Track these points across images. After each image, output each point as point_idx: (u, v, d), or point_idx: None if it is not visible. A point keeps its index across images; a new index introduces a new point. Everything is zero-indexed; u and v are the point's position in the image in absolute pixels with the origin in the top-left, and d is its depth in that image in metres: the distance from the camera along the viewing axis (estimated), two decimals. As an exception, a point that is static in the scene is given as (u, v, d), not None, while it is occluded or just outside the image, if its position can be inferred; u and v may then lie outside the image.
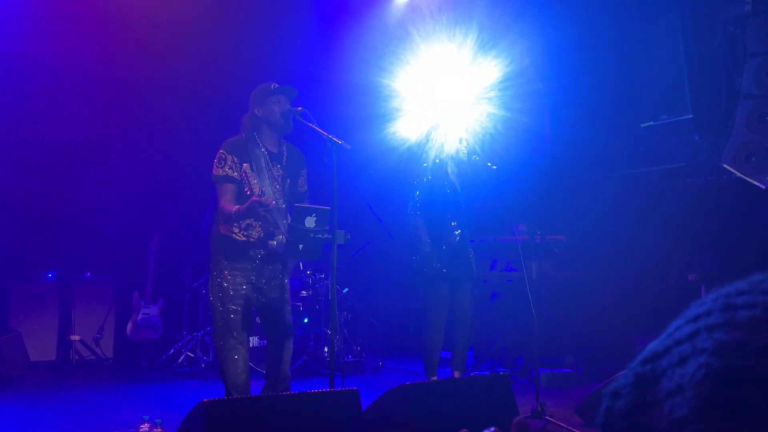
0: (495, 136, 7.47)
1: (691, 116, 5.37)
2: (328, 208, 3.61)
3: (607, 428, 0.49)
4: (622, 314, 5.90)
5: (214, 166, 3.74)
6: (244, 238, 3.67)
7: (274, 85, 3.81)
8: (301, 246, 3.57)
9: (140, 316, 6.36)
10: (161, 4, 6.10)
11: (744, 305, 0.45)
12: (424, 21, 7.43)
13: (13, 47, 6.07)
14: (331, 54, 7.29)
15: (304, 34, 7.17)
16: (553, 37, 6.98)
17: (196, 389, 5.34)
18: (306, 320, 6.13)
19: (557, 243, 4.51)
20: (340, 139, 3.60)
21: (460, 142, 4.52)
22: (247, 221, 3.66)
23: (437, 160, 4.61)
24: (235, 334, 3.63)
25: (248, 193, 3.51)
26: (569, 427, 3.77)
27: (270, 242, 3.63)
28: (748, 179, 4.94)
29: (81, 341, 6.33)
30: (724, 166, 5.08)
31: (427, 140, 4.73)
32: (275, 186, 3.77)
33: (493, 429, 0.70)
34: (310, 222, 3.54)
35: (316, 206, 3.73)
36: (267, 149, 3.79)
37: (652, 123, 5.66)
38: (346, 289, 6.47)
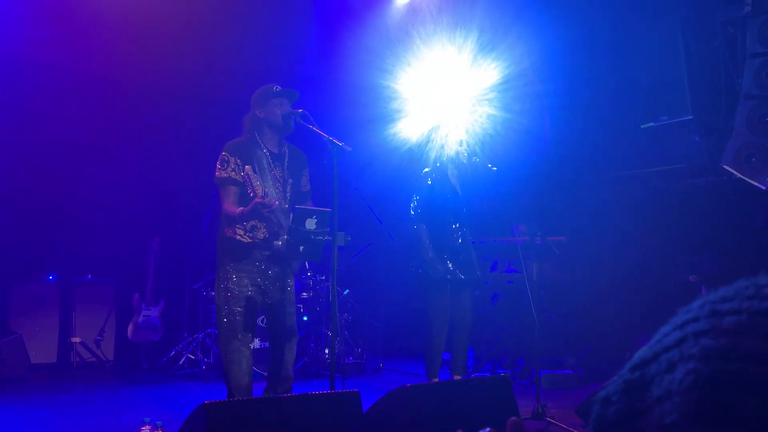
0: (495, 138, 7.47)
1: (691, 117, 5.37)
2: (329, 209, 3.61)
3: None
4: (623, 315, 5.90)
5: (217, 169, 3.74)
6: (249, 240, 3.67)
7: (276, 87, 3.81)
8: (301, 248, 3.58)
9: (141, 318, 6.36)
10: (162, 6, 6.10)
11: (730, 311, 0.46)
12: (424, 23, 7.44)
13: (14, 48, 6.08)
14: (331, 55, 7.30)
15: (304, 35, 7.17)
16: (552, 39, 6.99)
17: (197, 391, 5.34)
18: (305, 318, 6.13)
19: (558, 244, 4.51)
20: (341, 141, 3.60)
21: (460, 145, 4.52)
22: (252, 223, 3.67)
23: (437, 164, 4.61)
24: (239, 336, 3.63)
25: (251, 194, 3.51)
26: (570, 429, 3.77)
27: (275, 242, 3.64)
28: (748, 180, 4.94)
29: (82, 343, 6.33)
30: (724, 167, 5.08)
31: (428, 142, 4.72)
32: (278, 187, 3.78)
33: (488, 429, 0.70)
34: (310, 224, 3.54)
35: (317, 208, 3.74)
36: (269, 150, 3.80)
37: (652, 124, 5.67)
38: (347, 291, 6.47)
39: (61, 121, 6.49)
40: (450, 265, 4.40)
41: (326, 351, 5.99)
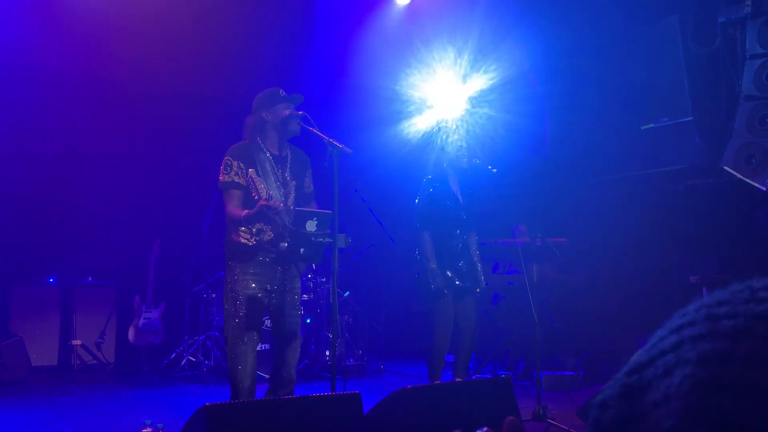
0: (495, 139, 7.48)
1: (691, 118, 5.37)
2: (329, 211, 3.62)
3: None
4: (624, 316, 5.90)
5: (221, 173, 3.76)
6: (255, 243, 3.69)
7: (282, 91, 3.84)
8: (302, 250, 3.58)
9: (141, 321, 6.36)
10: (163, 8, 6.11)
11: (726, 315, 0.46)
12: (424, 25, 7.45)
13: (14, 51, 6.09)
14: (332, 57, 7.30)
15: (305, 36, 7.18)
16: (552, 41, 6.99)
17: (197, 393, 5.34)
18: (309, 320, 6.14)
19: (558, 246, 4.51)
20: (341, 143, 3.61)
21: (460, 150, 4.51)
22: (258, 226, 3.69)
23: (438, 170, 4.60)
24: (245, 338, 3.65)
25: (256, 197, 3.54)
26: (571, 430, 3.77)
27: (281, 244, 3.65)
28: (748, 181, 4.94)
29: (82, 346, 6.33)
30: (725, 168, 5.08)
31: (428, 145, 4.73)
32: (282, 189, 3.80)
33: (485, 429, 0.70)
34: (311, 226, 3.55)
35: (317, 210, 3.76)
36: (271, 153, 3.82)
37: (652, 125, 5.67)
38: (348, 293, 6.47)
39: (61, 124, 6.50)
40: (449, 273, 4.40)
41: (327, 353, 5.99)
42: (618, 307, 6.05)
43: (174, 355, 6.12)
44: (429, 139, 4.75)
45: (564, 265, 6.00)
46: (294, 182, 3.88)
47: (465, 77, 7.84)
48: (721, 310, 0.47)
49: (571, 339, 6.03)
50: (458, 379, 4.49)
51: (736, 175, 5.03)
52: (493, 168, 4.46)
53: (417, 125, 7.61)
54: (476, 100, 7.76)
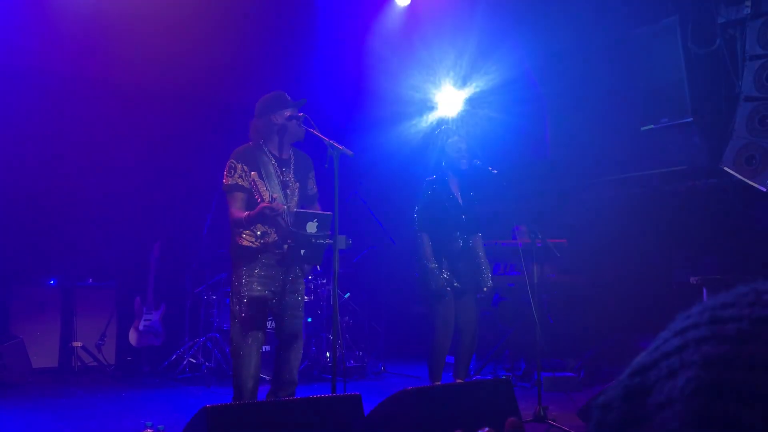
0: (495, 141, 7.48)
1: (691, 119, 5.37)
2: (330, 213, 3.62)
3: None
4: (624, 317, 5.90)
5: (224, 176, 3.79)
6: (260, 245, 3.71)
7: (286, 95, 3.86)
8: (302, 251, 3.59)
9: (142, 323, 6.37)
10: (165, 10, 6.12)
11: (730, 318, 0.46)
12: (425, 26, 7.45)
13: (14, 52, 6.09)
14: (333, 58, 7.30)
15: (306, 38, 7.18)
16: (552, 41, 6.99)
17: (198, 395, 5.34)
18: (309, 320, 6.14)
19: (559, 247, 4.50)
20: (341, 145, 3.62)
21: (460, 151, 4.51)
22: (263, 229, 3.71)
23: (438, 172, 4.61)
24: (250, 340, 3.69)
25: (258, 200, 3.57)
26: (571, 431, 3.77)
27: (285, 246, 3.66)
28: (748, 182, 4.94)
29: (83, 347, 6.33)
30: (725, 168, 5.08)
31: (428, 146, 4.73)
32: (286, 191, 3.81)
33: (486, 430, 0.70)
34: (311, 227, 3.56)
35: (318, 211, 3.77)
36: (274, 156, 3.84)
37: (652, 126, 5.67)
38: (348, 294, 6.47)
39: (62, 126, 6.51)
40: (446, 275, 4.40)
41: (327, 354, 5.99)
42: (618, 308, 6.05)
43: (174, 356, 6.12)
44: (429, 140, 4.75)
45: (564, 266, 6.00)
46: (297, 184, 3.89)
47: (465, 78, 7.84)
48: (725, 313, 0.47)
49: (571, 340, 6.03)
50: (459, 381, 4.49)
51: (736, 176, 5.03)
52: (493, 169, 4.46)
53: (417, 126, 7.62)
54: (476, 102, 7.76)
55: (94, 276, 6.77)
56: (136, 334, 6.34)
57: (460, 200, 4.56)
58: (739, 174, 4.99)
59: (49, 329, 6.36)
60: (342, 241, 3.57)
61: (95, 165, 6.71)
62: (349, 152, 3.59)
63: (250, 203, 3.69)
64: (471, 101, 7.79)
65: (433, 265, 4.37)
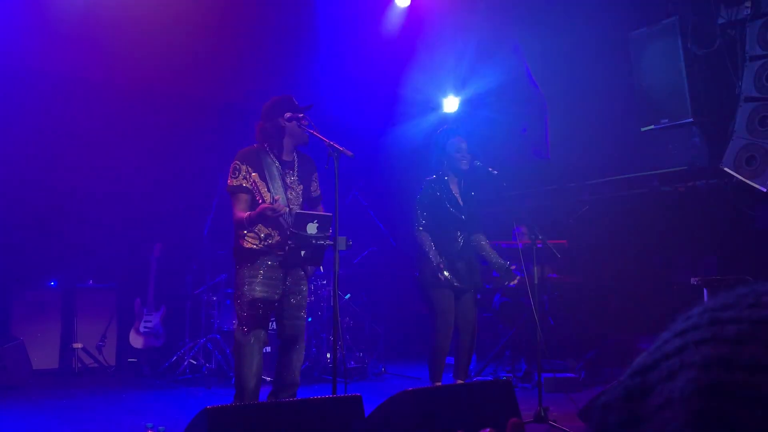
0: (496, 141, 7.47)
1: (691, 120, 5.37)
2: (330, 214, 3.63)
3: None
4: (625, 318, 5.90)
5: (229, 177, 3.82)
6: (263, 247, 3.73)
7: (292, 99, 3.88)
8: (303, 252, 3.59)
9: (142, 324, 6.37)
10: (167, 12, 6.12)
11: (730, 320, 0.46)
12: (425, 27, 7.45)
13: (15, 53, 6.10)
14: (334, 59, 7.31)
15: (307, 39, 7.18)
16: (552, 42, 6.99)
17: (198, 396, 5.34)
18: (309, 319, 6.14)
19: (559, 248, 4.50)
20: (342, 146, 3.62)
21: (460, 151, 4.51)
22: (266, 231, 3.72)
23: (439, 172, 4.61)
24: (252, 340, 3.71)
25: (260, 201, 3.60)
26: (572, 432, 3.77)
27: (286, 248, 3.67)
28: (748, 182, 4.94)
29: (83, 349, 6.34)
30: (725, 169, 5.08)
31: (428, 147, 4.73)
32: (290, 193, 3.83)
33: (488, 430, 0.70)
34: (311, 228, 3.56)
35: (318, 212, 3.79)
36: (278, 158, 3.86)
37: (652, 127, 5.67)
38: (348, 295, 6.47)
39: (62, 128, 6.51)
40: (447, 275, 4.40)
41: (328, 355, 5.99)
42: (619, 309, 6.05)
43: (175, 358, 6.12)
44: (430, 140, 4.75)
45: (565, 267, 6.00)
46: (301, 186, 3.91)
47: (465, 79, 7.84)
48: (725, 315, 0.47)
49: (572, 341, 6.02)
50: (459, 381, 4.49)
51: (736, 177, 5.03)
52: (493, 170, 4.46)
53: (418, 127, 7.62)
54: (476, 102, 7.77)
55: (94, 277, 6.77)
56: (137, 335, 6.34)
57: (460, 200, 4.56)
58: (739, 174, 4.99)
59: (49, 331, 6.37)
60: (342, 242, 3.57)
61: (96, 167, 6.72)
62: (349, 153, 3.60)
63: (254, 205, 3.72)
64: (471, 102, 7.79)
65: (435, 263, 4.37)
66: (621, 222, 6.28)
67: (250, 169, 3.73)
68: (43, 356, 6.24)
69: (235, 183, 3.77)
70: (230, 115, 7.04)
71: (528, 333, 5.69)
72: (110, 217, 6.75)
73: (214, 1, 6.40)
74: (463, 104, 7.90)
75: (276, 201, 3.60)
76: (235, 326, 3.86)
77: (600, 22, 6.38)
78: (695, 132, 5.71)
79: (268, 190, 3.70)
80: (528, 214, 4.86)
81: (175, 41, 6.27)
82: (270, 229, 3.73)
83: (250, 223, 3.67)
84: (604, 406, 0.50)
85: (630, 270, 6.19)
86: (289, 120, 3.80)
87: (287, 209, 3.66)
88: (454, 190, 4.57)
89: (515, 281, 4.48)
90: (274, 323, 3.99)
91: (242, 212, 3.70)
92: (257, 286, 3.71)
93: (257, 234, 3.73)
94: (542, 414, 3.99)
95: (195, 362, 6.05)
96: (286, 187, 3.83)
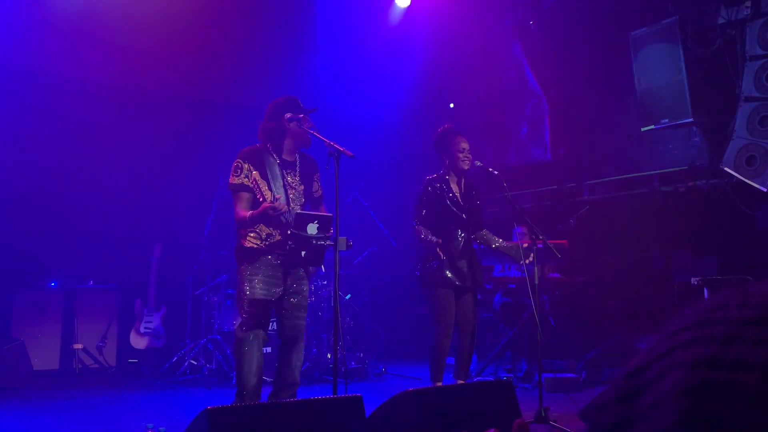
0: (496, 141, 7.47)
1: (691, 120, 5.38)
2: (330, 215, 3.64)
3: None
4: (625, 318, 5.90)
5: (231, 175, 3.84)
6: (265, 246, 3.73)
7: (296, 100, 3.89)
8: (303, 253, 3.60)
9: (143, 325, 6.37)
10: (168, 15, 6.12)
11: (718, 320, 0.47)
12: (425, 27, 7.46)
13: (17, 53, 6.10)
14: (335, 59, 7.31)
15: (308, 40, 7.19)
16: (552, 42, 7.00)
17: (199, 397, 5.34)
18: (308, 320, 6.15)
19: (559, 247, 4.50)
20: (342, 146, 3.62)
21: (462, 151, 4.52)
22: (268, 230, 3.72)
23: (440, 171, 4.61)
24: (251, 338, 3.73)
25: (261, 200, 3.60)
26: (573, 432, 3.77)
27: (287, 248, 3.68)
28: (748, 182, 4.95)
29: (84, 350, 6.33)
30: (725, 169, 5.08)
31: (432, 146, 4.73)
32: (292, 192, 3.84)
33: (492, 431, 0.71)
34: (312, 229, 3.57)
35: (318, 213, 3.79)
36: (280, 158, 3.86)
37: (653, 127, 5.67)
38: (349, 296, 6.47)
39: (62, 128, 6.51)
40: (449, 274, 4.40)
41: (328, 356, 5.99)
42: (619, 309, 6.05)
43: (175, 358, 6.12)
44: (432, 139, 4.75)
45: (565, 267, 6.01)
46: (302, 186, 3.92)
47: (465, 80, 7.84)
48: (714, 316, 0.48)
49: (572, 341, 6.03)
50: (460, 382, 4.49)
51: (736, 176, 5.03)
52: (494, 170, 4.46)
53: (418, 128, 7.62)
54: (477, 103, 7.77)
55: (95, 278, 6.77)
56: (137, 336, 6.35)
57: (461, 199, 4.56)
58: (739, 174, 4.99)
59: (50, 331, 6.37)
60: (343, 243, 3.58)
61: (96, 167, 6.72)
62: (349, 153, 3.60)
63: (255, 204, 3.72)
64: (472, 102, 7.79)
65: (437, 240, 4.33)
66: (621, 222, 6.28)
67: (251, 167, 3.74)
68: (44, 357, 6.24)
69: (236, 181, 3.78)
70: (231, 115, 7.04)
71: (528, 333, 5.69)
72: (111, 218, 6.75)
73: (216, 1, 6.41)
74: (464, 105, 7.90)
75: (277, 200, 3.61)
76: (236, 325, 3.88)
77: (600, 21, 6.38)
78: (695, 132, 5.72)
79: (269, 189, 3.72)
80: (528, 214, 4.86)
81: (174, 41, 6.28)
82: (271, 228, 3.74)
83: (252, 222, 3.68)
84: (599, 407, 0.51)
85: (630, 270, 6.20)
86: (290, 120, 3.81)
87: (287, 208, 3.66)
88: (455, 189, 4.58)
89: (531, 258, 4.39)
90: (275, 323, 4.00)
91: (244, 211, 3.72)
92: (258, 285, 3.72)
93: (259, 234, 3.74)
94: (543, 414, 3.99)
95: (195, 363, 6.05)
96: (287, 186, 3.84)
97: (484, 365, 6.07)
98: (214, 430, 2.55)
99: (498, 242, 4.62)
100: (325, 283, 6.23)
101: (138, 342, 6.33)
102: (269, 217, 3.58)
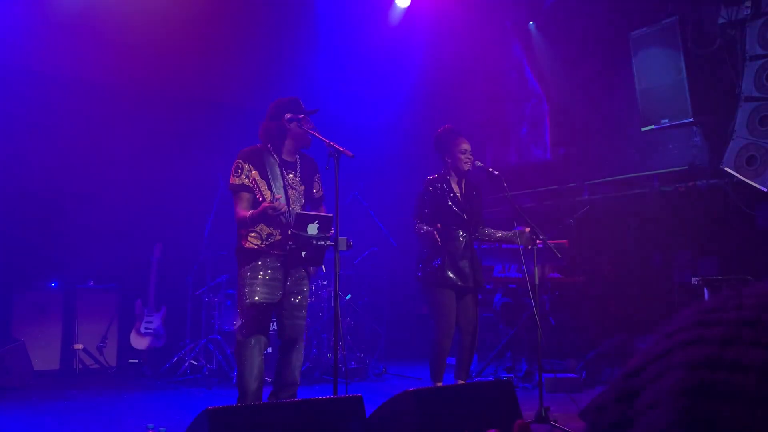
0: (496, 141, 7.47)
1: (691, 120, 5.38)
2: (330, 215, 3.64)
3: None
4: (625, 318, 5.90)
5: (231, 176, 3.84)
6: (265, 247, 3.74)
7: (298, 101, 3.89)
8: (303, 253, 3.60)
9: (143, 325, 6.38)
10: (168, 16, 6.12)
11: (716, 321, 0.47)
12: (424, 27, 7.46)
13: (17, 54, 6.10)
14: (335, 59, 7.31)
15: (308, 40, 7.19)
16: (552, 42, 7.00)
17: (199, 397, 5.34)
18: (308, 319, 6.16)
19: (560, 248, 4.51)
20: (342, 146, 3.63)
21: (462, 152, 4.52)
22: (268, 231, 3.72)
23: (441, 172, 4.62)
24: (253, 342, 3.72)
25: (260, 200, 3.60)
26: (573, 432, 3.77)
27: (287, 248, 3.68)
28: (749, 182, 4.95)
29: (84, 350, 6.33)
30: (725, 169, 5.09)
31: (433, 146, 4.73)
32: (292, 193, 3.84)
33: (494, 431, 0.71)
34: (312, 229, 3.57)
35: (319, 213, 3.80)
36: (281, 158, 3.87)
37: (653, 127, 5.67)
38: (349, 296, 6.48)
39: (63, 128, 6.52)
40: (451, 274, 4.40)
41: (329, 356, 5.99)
42: (620, 309, 6.05)
43: (176, 358, 6.12)
44: (433, 140, 4.76)
45: (565, 267, 6.01)
46: (303, 187, 3.93)
47: (465, 80, 7.84)
48: (711, 317, 0.48)
49: (573, 341, 6.03)
50: (460, 382, 4.49)
51: (736, 176, 5.03)
52: (494, 170, 4.46)
53: (418, 128, 7.62)
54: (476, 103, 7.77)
55: (95, 278, 6.77)
56: (138, 336, 6.35)
57: (462, 200, 4.57)
58: (740, 174, 4.99)
59: (50, 332, 6.37)
60: (343, 243, 3.58)
61: (96, 167, 6.72)
62: (349, 154, 3.61)
63: (255, 204, 3.73)
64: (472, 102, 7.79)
65: (438, 260, 4.34)
66: (621, 222, 6.28)
67: (251, 167, 3.74)
68: (44, 357, 6.24)
69: (236, 182, 3.79)
70: (231, 115, 7.04)
71: (529, 333, 5.69)
72: (111, 218, 6.75)
73: (216, 1, 6.41)
74: (464, 106, 7.90)
75: (277, 200, 3.61)
76: (236, 327, 3.87)
77: (600, 22, 6.38)
78: (695, 132, 5.72)
79: (269, 189, 3.72)
80: (528, 214, 4.86)
81: (174, 41, 6.27)
82: (272, 228, 3.74)
83: (252, 222, 3.69)
84: (598, 407, 0.51)
85: (630, 270, 6.20)
86: (290, 121, 3.81)
87: (288, 208, 3.67)
88: (456, 189, 4.58)
89: (539, 241, 4.34)
90: (275, 323, 4.00)
91: (244, 211, 3.73)
92: (259, 288, 3.72)
93: (259, 234, 3.75)
94: (543, 414, 3.99)
95: (196, 363, 6.06)
96: (287, 186, 3.84)
97: (485, 365, 6.07)
98: (214, 430, 2.55)
99: (500, 233, 4.61)
100: (326, 283, 6.24)
101: (138, 342, 6.33)
102: (269, 216, 3.59)
